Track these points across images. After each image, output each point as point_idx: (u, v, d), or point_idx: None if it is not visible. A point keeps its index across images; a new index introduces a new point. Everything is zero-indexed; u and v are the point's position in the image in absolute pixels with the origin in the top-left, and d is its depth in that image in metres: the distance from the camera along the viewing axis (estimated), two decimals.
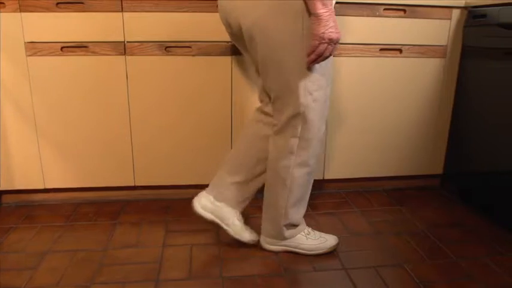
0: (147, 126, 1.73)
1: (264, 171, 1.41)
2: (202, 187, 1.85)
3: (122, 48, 1.63)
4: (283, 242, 1.43)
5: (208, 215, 1.42)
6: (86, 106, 1.68)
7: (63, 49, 1.61)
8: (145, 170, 1.78)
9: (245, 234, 1.44)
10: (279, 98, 1.29)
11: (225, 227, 1.42)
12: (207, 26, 1.64)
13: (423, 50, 1.80)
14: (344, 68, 1.77)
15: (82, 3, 1.57)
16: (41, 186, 1.75)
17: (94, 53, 1.63)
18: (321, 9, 1.09)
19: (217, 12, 1.63)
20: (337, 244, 1.45)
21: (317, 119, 1.28)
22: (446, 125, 1.92)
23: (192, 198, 1.86)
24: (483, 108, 1.69)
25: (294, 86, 1.23)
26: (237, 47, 1.45)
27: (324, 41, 1.12)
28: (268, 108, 1.38)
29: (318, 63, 1.18)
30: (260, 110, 1.43)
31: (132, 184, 1.79)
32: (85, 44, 1.61)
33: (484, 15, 1.66)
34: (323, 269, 1.36)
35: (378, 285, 1.27)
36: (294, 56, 1.20)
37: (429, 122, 1.90)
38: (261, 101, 1.43)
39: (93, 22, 1.59)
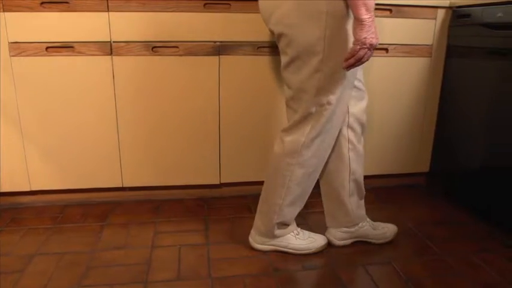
0: (134, 126, 1.72)
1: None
2: (191, 187, 1.85)
3: (108, 48, 1.62)
4: (273, 242, 1.43)
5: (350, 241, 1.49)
6: (72, 107, 1.66)
7: (48, 49, 1.59)
8: (133, 171, 1.77)
9: (388, 234, 1.50)
10: (294, 97, 1.29)
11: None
12: (194, 26, 1.64)
13: (409, 50, 1.82)
14: None
15: (67, 2, 1.55)
16: (27, 188, 1.73)
17: (80, 53, 1.61)
18: (365, 15, 1.10)
19: (204, 12, 1.63)
20: (326, 244, 1.46)
21: (327, 122, 1.28)
22: (432, 124, 1.94)
23: (181, 198, 1.86)
24: (468, 106, 1.71)
25: (309, 86, 1.24)
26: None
27: (365, 46, 1.13)
28: None
29: (354, 67, 1.19)
30: None
31: (120, 185, 1.78)
32: (70, 44, 1.60)
33: (468, 15, 1.68)
34: (312, 268, 1.36)
35: (366, 283, 1.28)
36: (313, 57, 1.20)
37: (415, 120, 1.93)
38: None
39: (79, 22, 1.58)
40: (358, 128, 1.39)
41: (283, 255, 1.43)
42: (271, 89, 1.76)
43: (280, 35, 1.25)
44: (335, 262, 1.39)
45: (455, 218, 1.71)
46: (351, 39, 1.17)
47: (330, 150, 1.37)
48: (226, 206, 1.80)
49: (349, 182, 1.41)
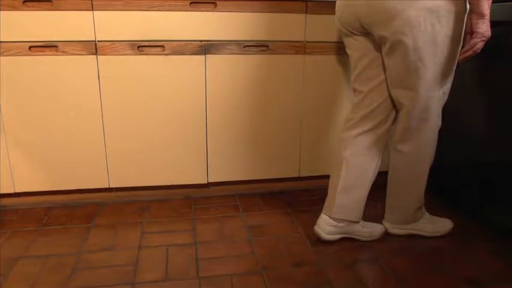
0: (120, 126, 1.71)
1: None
2: (178, 187, 1.85)
3: (93, 47, 1.60)
4: (410, 226, 1.53)
5: (338, 237, 1.51)
6: (57, 107, 1.64)
7: (32, 49, 1.57)
8: (119, 171, 1.75)
9: (375, 232, 1.53)
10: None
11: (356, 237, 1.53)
12: (180, 25, 1.63)
13: None
14: (322, 66, 1.79)
15: (50, 1, 1.53)
16: (11, 191, 1.70)
17: (64, 53, 1.59)
18: (487, 10, 1.18)
19: (189, 11, 1.62)
20: (453, 227, 1.56)
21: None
22: None
23: (168, 198, 1.85)
24: (455, 104, 1.73)
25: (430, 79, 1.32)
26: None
27: (484, 38, 1.22)
28: (359, 116, 1.44)
29: (468, 58, 1.28)
30: (352, 123, 1.46)
31: (107, 186, 1.77)
32: (54, 44, 1.58)
33: None
34: (299, 265, 1.37)
35: (353, 280, 1.30)
36: (438, 53, 1.28)
37: None
38: (356, 112, 1.46)
39: (63, 21, 1.55)
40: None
41: (271, 253, 1.43)
42: (258, 88, 1.76)
43: (399, 45, 1.27)
44: (322, 259, 1.40)
45: (442, 214, 1.72)
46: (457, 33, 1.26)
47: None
48: (214, 205, 1.80)
49: (373, 177, 1.49)
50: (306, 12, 1.69)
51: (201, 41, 1.66)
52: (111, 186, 1.77)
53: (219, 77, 1.72)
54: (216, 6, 1.63)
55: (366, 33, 1.35)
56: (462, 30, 1.27)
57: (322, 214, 1.50)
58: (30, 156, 1.67)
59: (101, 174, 1.74)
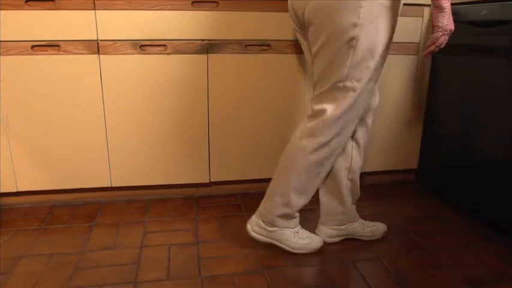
0: (122, 126, 1.71)
1: None
2: (180, 186, 1.85)
3: (95, 47, 1.60)
4: (270, 234, 1.41)
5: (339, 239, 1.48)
6: (59, 106, 1.64)
7: (34, 48, 1.57)
8: (121, 170, 1.76)
9: (378, 232, 1.51)
10: (320, 83, 1.29)
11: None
12: (181, 25, 1.63)
13: (396, 47, 1.83)
14: None
15: (52, 0, 1.53)
16: (13, 190, 1.70)
17: (66, 52, 1.59)
18: (446, 3, 1.17)
19: (191, 10, 1.62)
20: (321, 246, 1.44)
21: (348, 109, 1.26)
22: (420, 121, 1.96)
23: (170, 197, 1.86)
24: (455, 103, 1.73)
25: (338, 71, 1.23)
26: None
27: (446, 32, 1.21)
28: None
29: (432, 54, 1.26)
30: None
31: (109, 185, 1.77)
32: (56, 43, 1.58)
33: (453, 13, 1.69)
34: (301, 265, 1.37)
35: (355, 279, 1.30)
36: (345, 44, 1.19)
37: (404, 117, 1.94)
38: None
39: (65, 20, 1.56)
40: (364, 128, 1.41)
41: (273, 252, 1.43)
42: (260, 87, 1.76)
43: (312, 24, 1.23)
44: (325, 259, 1.40)
45: (442, 213, 1.73)
46: (383, 29, 1.19)
47: (342, 145, 1.35)
48: (216, 204, 1.80)
49: (347, 180, 1.42)
50: None
51: (202, 40, 1.66)
52: (113, 185, 1.77)
53: (221, 76, 1.72)
54: (218, 5, 1.63)
55: (304, 28, 1.31)
56: (384, 18, 1.19)
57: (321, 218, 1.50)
58: (33, 155, 1.68)
59: (103, 173, 1.75)
